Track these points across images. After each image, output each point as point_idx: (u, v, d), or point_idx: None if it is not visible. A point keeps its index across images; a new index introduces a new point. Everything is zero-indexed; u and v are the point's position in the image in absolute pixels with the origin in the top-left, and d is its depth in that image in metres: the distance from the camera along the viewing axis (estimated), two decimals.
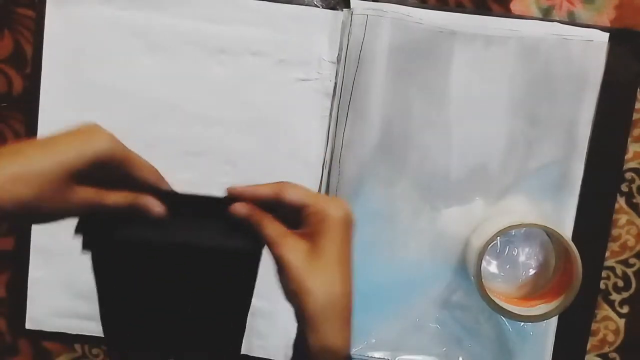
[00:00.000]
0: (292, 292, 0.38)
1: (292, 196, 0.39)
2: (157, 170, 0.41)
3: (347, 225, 0.38)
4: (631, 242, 0.59)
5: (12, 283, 0.59)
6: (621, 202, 0.58)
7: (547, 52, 0.56)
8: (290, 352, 0.59)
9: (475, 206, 0.57)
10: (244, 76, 0.57)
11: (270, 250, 0.39)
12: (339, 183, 0.57)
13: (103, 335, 0.46)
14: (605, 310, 0.59)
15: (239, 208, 0.40)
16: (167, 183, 0.42)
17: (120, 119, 0.56)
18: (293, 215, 0.40)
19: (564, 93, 0.56)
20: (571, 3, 0.57)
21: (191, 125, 0.57)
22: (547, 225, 0.52)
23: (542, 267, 0.57)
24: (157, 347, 0.47)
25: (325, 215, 0.38)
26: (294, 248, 0.38)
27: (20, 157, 0.34)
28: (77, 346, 0.60)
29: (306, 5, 0.57)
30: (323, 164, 0.58)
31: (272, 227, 0.39)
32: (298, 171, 0.58)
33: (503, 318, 0.57)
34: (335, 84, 0.57)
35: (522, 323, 0.58)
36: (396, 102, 0.56)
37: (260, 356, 0.59)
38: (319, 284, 0.37)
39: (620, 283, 0.59)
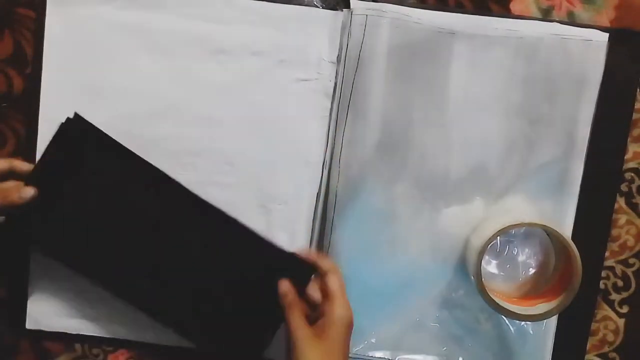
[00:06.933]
0: None
1: (329, 284, 0.51)
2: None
3: (347, 328, 0.49)
4: (631, 242, 0.59)
5: (12, 283, 0.59)
6: (621, 202, 0.58)
7: (546, 52, 0.56)
8: None
9: (475, 206, 0.57)
10: (244, 76, 0.57)
11: (288, 330, 0.50)
12: (339, 183, 0.57)
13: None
14: (604, 310, 0.59)
15: (282, 286, 0.51)
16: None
17: (120, 119, 0.56)
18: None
19: (563, 93, 0.56)
20: (571, 3, 0.57)
21: (191, 125, 0.57)
22: (547, 225, 0.52)
23: (542, 267, 0.57)
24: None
25: (334, 319, 0.49)
26: (307, 343, 0.48)
27: None
28: (77, 346, 0.60)
29: (306, 5, 0.57)
30: (323, 164, 0.58)
31: (295, 318, 0.50)
32: (298, 171, 0.58)
33: (503, 317, 0.57)
34: (335, 84, 0.57)
35: (522, 322, 0.58)
36: (396, 102, 0.56)
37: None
38: None
39: (620, 283, 0.59)
